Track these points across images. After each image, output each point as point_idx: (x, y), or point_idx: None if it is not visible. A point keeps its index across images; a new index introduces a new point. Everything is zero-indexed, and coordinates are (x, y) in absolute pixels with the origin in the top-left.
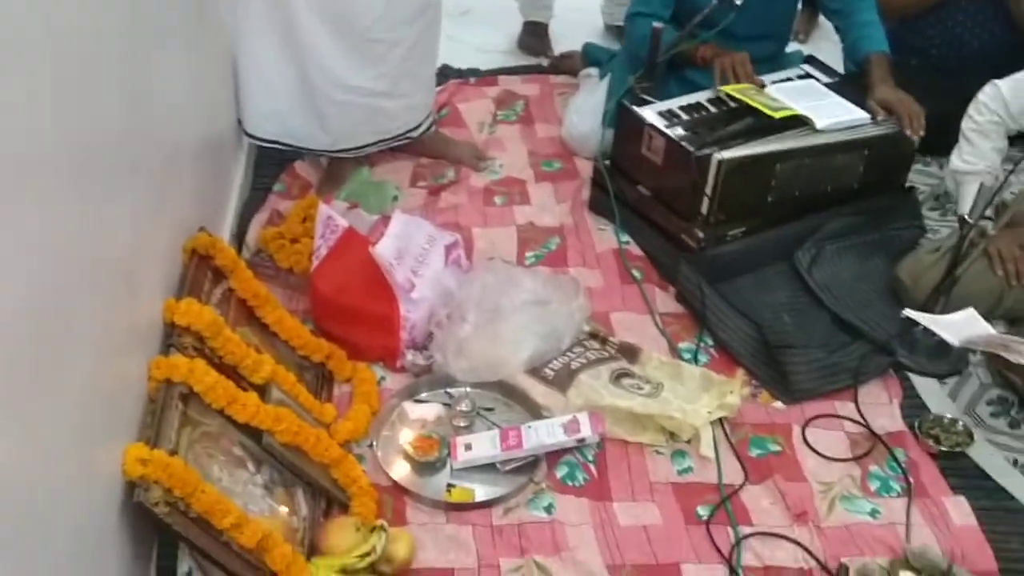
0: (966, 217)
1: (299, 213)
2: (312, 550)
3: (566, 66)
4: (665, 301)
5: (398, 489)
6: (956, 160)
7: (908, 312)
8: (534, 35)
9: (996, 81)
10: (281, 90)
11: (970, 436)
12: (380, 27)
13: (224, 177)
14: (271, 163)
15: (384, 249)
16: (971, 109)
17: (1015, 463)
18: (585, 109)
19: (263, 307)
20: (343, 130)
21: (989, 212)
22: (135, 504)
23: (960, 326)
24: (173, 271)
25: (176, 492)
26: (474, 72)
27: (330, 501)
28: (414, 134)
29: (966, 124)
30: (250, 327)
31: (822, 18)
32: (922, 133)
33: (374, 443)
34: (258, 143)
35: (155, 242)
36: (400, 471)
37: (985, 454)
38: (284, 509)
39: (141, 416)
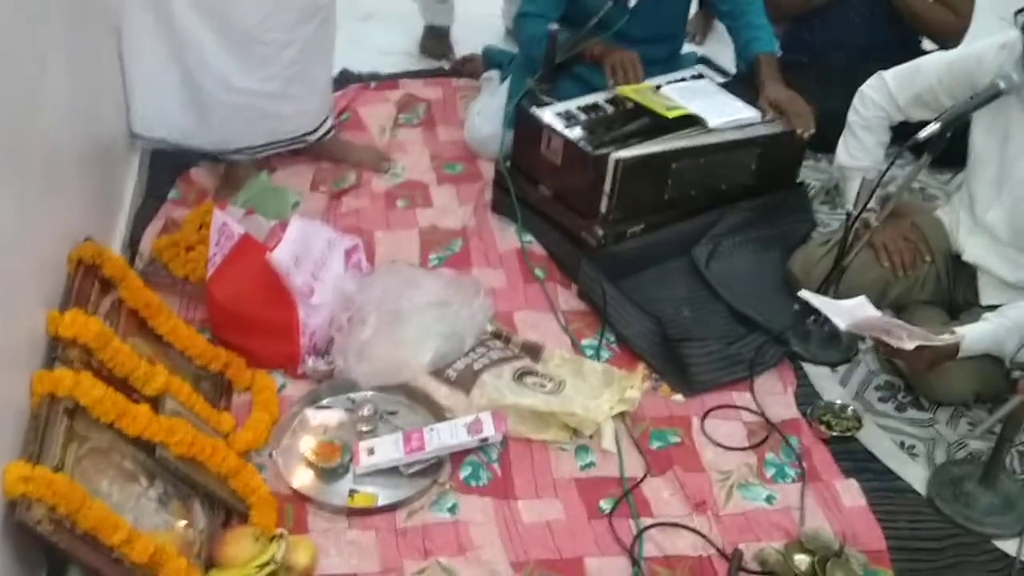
0: (851, 211)
1: (195, 220)
2: (210, 563)
3: (468, 69)
4: (568, 299)
5: (299, 497)
6: (843, 154)
7: (803, 293)
8: (435, 39)
9: (882, 73)
10: (167, 88)
11: (859, 421)
12: (266, 28)
13: (114, 184)
14: (166, 170)
15: (281, 255)
16: (856, 102)
17: (902, 445)
18: (487, 111)
19: (156, 317)
20: (232, 130)
21: (874, 204)
22: (17, 524)
23: (852, 311)
24: (57, 282)
25: (61, 509)
26: (375, 76)
27: (229, 512)
28: (310, 138)
29: (852, 117)
30: (142, 338)
31: (717, 20)
32: (812, 130)
33: (272, 452)
34: (145, 143)
35: (36, 251)
36: (302, 479)
37: (874, 438)
38: (181, 522)
39: (24, 433)
